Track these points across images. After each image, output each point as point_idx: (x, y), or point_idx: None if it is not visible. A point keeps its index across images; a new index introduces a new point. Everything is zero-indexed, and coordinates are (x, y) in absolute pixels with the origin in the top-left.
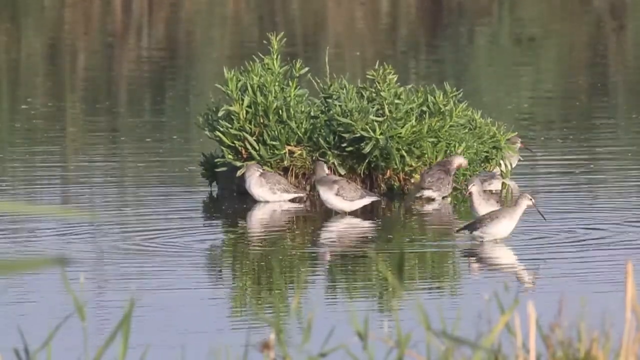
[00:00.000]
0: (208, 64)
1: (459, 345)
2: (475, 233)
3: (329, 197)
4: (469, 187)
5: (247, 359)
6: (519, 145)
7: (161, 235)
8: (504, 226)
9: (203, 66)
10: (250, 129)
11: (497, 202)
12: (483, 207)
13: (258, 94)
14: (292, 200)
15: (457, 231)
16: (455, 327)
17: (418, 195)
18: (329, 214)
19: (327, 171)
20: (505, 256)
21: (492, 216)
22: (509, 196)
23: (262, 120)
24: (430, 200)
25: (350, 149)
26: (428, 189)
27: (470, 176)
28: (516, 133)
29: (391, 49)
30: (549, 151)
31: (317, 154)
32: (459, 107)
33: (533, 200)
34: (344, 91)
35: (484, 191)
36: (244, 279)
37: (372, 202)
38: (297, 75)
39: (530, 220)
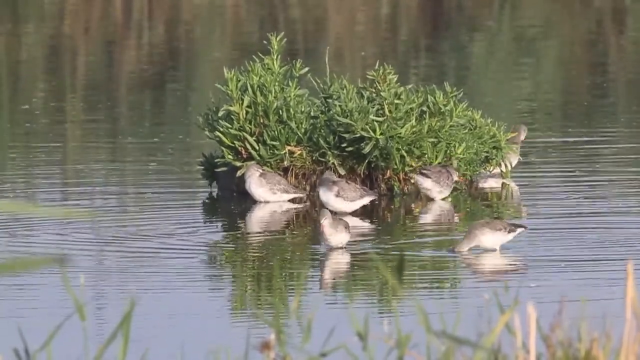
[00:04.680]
0: (208, 63)
1: (459, 345)
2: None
3: (329, 198)
4: (321, 221)
5: (247, 359)
6: (523, 136)
7: (161, 236)
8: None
9: (203, 66)
10: (250, 129)
11: (346, 228)
12: (333, 236)
13: (258, 94)
14: (292, 201)
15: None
16: (455, 327)
17: (415, 180)
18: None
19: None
20: (505, 256)
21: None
22: (508, 196)
23: (262, 121)
24: (429, 199)
25: (350, 149)
26: (426, 176)
27: (470, 176)
28: (516, 133)
29: (391, 49)
30: (549, 151)
31: (317, 154)
32: (459, 107)
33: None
34: (344, 91)
35: (334, 221)
36: (244, 279)
37: (372, 202)
38: (297, 75)
39: (529, 221)
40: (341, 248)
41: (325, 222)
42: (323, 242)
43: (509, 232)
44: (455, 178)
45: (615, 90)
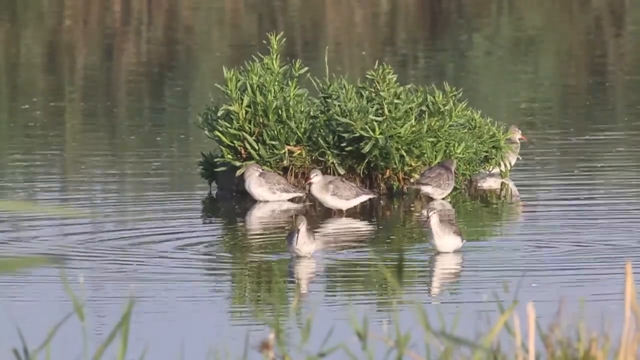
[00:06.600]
0: (208, 63)
1: (458, 345)
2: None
3: (325, 197)
4: (297, 225)
5: (246, 359)
6: (518, 136)
7: (160, 235)
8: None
9: (203, 66)
10: (250, 128)
11: (315, 238)
12: (307, 245)
13: (257, 93)
14: (292, 200)
15: None
16: (454, 327)
17: (416, 188)
18: (328, 213)
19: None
20: (504, 256)
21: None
22: (507, 196)
23: (261, 120)
24: (429, 199)
25: (349, 148)
26: (426, 184)
27: (469, 175)
28: (519, 132)
29: (391, 49)
30: (548, 151)
31: (317, 154)
32: (458, 107)
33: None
34: (343, 91)
35: (308, 230)
36: (244, 278)
37: (372, 202)
38: (297, 75)
39: (529, 221)
40: (307, 257)
41: (302, 227)
42: (291, 250)
43: (462, 240)
44: (454, 167)
45: (615, 90)
